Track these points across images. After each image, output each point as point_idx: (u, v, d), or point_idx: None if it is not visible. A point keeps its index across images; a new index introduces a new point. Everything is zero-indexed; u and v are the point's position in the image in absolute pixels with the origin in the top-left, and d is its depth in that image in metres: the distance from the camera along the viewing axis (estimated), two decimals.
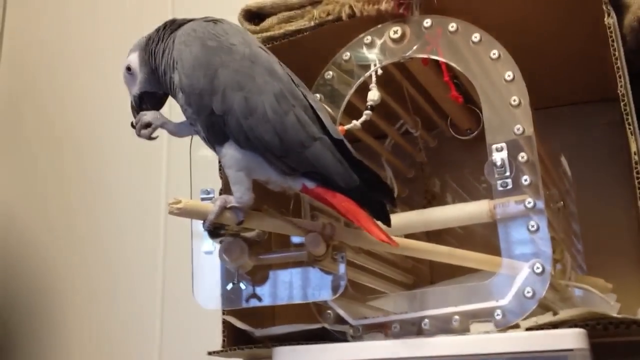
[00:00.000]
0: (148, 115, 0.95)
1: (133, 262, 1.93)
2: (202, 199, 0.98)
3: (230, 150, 0.88)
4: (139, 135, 0.97)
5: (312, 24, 1.11)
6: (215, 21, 0.93)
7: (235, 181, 0.89)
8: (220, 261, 0.97)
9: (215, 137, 0.90)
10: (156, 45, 0.94)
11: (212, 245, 1.00)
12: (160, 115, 0.96)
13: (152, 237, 1.90)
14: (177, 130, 0.98)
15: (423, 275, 1.33)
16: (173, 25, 0.95)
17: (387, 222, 0.91)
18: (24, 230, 2.15)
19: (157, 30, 0.96)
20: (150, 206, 1.93)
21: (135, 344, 1.85)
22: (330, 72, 1.09)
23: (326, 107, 1.05)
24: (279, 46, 1.14)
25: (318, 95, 1.08)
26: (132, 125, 0.97)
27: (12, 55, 2.38)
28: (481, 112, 0.96)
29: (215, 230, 0.93)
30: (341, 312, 1.00)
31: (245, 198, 0.88)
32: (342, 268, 0.96)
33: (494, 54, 0.95)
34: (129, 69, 0.96)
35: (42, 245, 2.09)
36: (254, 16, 1.18)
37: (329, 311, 1.01)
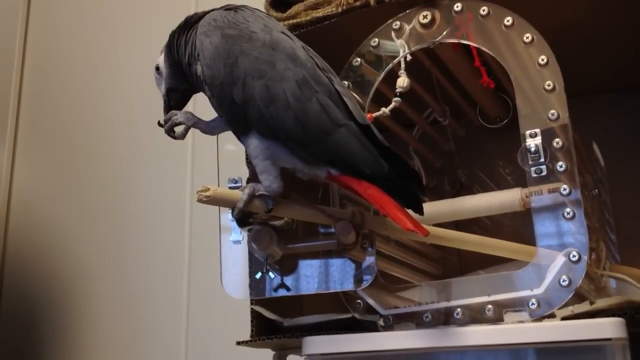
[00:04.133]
0: (179, 116, 0.93)
1: (160, 252, 1.93)
2: (230, 188, 0.97)
3: (254, 140, 0.87)
4: (170, 135, 0.95)
5: (339, 10, 1.09)
6: (236, 9, 0.92)
7: (262, 170, 0.88)
8: (249, 250, 0.97)
9: (239, 127, 0.89)
10: (179, 37, 0.93)
11: (240, 235, 1.00)
12: (191, 115, 0.94)
13: (178, 228, 1.90)
14: (209, 129, 0.96)
15: (452, 266, 1.31)
16: (195, 17, 0.94)
17: (420, 211, 0.89)
18: (50, 223, 2.17)
19: (180, 24, 0.95)
20: (176, 197, 1.93)
21: (163, 334, 1.86)
22: (358, 59, 1.07)
23: (354, 94, 1.04)
24: (306, 33, 1.12)
25: (346, 83, 1.06)
26: (159, 124, 0.95)
27: (39, 44, 2.40)
28: (511, 100, 0.93)
29: (243, 219, 0.92)
30: (371, 302, 0.98)
31: (274, 186, 0.87)
32: (371, 257, 0.95)
33: (527, 37, 0.92)
34: (157, 68, 0.96)
35: (70, 238, 2.11)
36: (280, 3, 1.17)
37: (358, 301, 0.99)
